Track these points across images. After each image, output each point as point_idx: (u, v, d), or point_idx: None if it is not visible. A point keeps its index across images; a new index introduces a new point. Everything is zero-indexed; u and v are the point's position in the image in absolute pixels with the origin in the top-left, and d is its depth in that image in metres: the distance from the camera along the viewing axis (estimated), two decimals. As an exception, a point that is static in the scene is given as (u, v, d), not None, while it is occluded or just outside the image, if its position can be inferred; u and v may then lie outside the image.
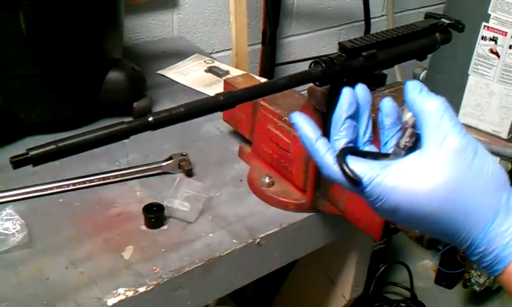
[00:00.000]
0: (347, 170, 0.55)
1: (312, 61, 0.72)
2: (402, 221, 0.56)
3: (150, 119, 0.60)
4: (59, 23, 1.01)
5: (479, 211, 0.53)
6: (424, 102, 0.55)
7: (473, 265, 0.50)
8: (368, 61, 0.74)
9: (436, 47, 0.81)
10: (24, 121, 1.11)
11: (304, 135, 0.60)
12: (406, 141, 0.57)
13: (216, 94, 0.65)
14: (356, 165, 0.55)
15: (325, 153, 0.58)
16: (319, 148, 0.58)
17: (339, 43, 0.73)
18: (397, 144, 0.58)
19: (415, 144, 0.57)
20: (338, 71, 0.71)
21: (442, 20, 0.81)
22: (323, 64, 0.71)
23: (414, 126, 0.57)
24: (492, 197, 0.53)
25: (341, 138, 0.59)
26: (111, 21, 1.16)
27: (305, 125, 0.60)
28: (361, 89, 0.62)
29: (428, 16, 0.82)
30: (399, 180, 0.53)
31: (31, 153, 0.55)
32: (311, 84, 0.74)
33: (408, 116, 0.57)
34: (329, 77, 0.71)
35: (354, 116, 0.60)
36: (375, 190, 0.54)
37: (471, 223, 0.53)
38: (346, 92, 0.60)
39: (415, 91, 0.56)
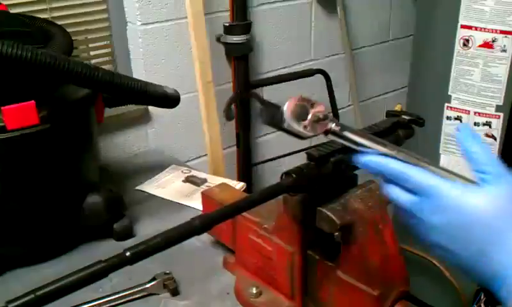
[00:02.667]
0: None
1: (282, 172, 0.74)
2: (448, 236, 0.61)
3: (128, 254, 0.60)
4: (34, 158, 1.02)
5: None
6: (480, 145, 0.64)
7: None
8: (337, 166, 0.76)
9: (400, 143, 0.84)
10: (4, 257, 1.09)
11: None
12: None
13: (192, 219, 0.66)
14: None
15: None
16: None
17: (307, 153, 0.76)
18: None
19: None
20: (309, 180, 0.73)
21: (403, 117, 0.84)
22: (293, 175, 0.73)
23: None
24: None
25: None
26: (86, 149, 1.19)
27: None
28: None
29: (389, 114, 0.86)
30: (464, 197, 0.60)
31: (10, 305, 0.55)
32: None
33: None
34: (301, 186, 0.73)
35: None
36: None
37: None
38: None
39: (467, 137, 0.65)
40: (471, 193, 0.60)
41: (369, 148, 0.69)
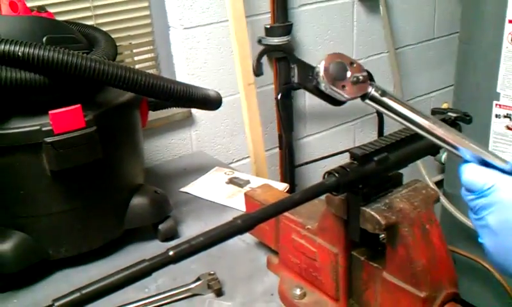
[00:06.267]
0: None
1: (325, 172, 0.73)
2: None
3: (171, 253, 0.60)
4: (81, 160, 1.04)
5: None
6: None
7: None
8: (381, 164, 0.74)
9: (447, 141, 0.81)
10: (52, 257, 1.12)
11: None
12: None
13: (234, 218, 0.65)
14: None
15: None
16: None
17: (350, 152, 0.75)
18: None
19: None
20: (352, 179, 0.72)
21: (449, 114, 0.82)
22: (336, 174, 0.72)
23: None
24: None
25: None
26: (131, 151, 1.21)
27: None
28: None
29: (435, 112, 0.83)
30: None
31: (57, 303, 0.56)
32: (328, 193, 0.74)
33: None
34: (344, 186, 0.72)
35: None
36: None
37: None
38: None
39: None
40: None
41: (409, 118, 0.64)
